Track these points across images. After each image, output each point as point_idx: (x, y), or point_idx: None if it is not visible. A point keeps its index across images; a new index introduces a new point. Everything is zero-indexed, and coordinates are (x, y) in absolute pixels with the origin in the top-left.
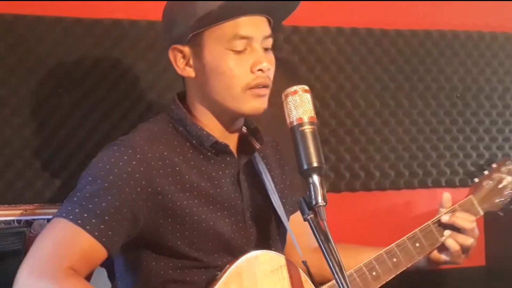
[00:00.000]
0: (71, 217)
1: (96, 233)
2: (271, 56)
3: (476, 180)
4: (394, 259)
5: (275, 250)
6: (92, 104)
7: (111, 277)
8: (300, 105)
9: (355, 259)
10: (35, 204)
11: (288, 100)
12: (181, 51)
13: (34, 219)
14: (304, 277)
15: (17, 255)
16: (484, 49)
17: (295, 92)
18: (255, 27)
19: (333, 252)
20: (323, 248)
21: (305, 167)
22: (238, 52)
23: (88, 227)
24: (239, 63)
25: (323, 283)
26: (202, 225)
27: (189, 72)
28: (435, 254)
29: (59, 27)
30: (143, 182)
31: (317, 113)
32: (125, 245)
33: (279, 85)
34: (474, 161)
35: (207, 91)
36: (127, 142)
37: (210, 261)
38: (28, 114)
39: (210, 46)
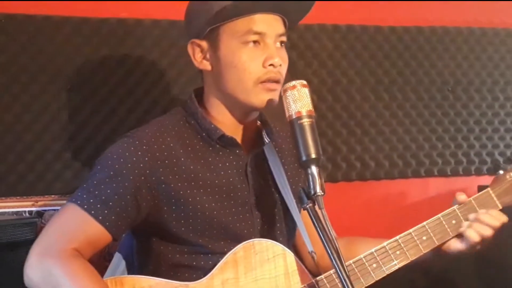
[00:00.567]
0: (79, 202)
1: (100, 218)
2: (283, 53)
3: (500, 172)
4: (398, 252)
5: (281, 241)
6: (100, 99)
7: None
8: (299, 99)
9: (356, 252)
10: (46, 196)
11: (287, 95)
12: (199, 45)
13: (45, 210)
14: (301, 267)
15: (29, 245)
16: (473, 44)
17: (294, 87)
18: (268, 24)
19: (331, 239)
20: (321, 236)
21: (304, 158)
22: (253, 46)
23: (93, 212)
24: (252, 57)
25: (326, 270)
26: (205, 213)
27: (206, 65)
28: (448, 244)
29: (67, 27)
30: (147, 172)
31: (314, 106)
32: (136, 230)
33: None
34: (465, 152)
35: (221, 83)
36: (136, 134)
37: (215, 248)
38: (38, 110)
39: (225, 40)
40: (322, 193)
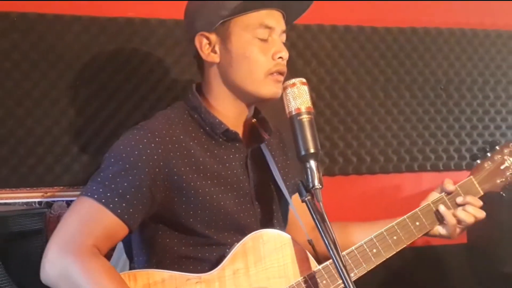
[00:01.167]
0: (95, 196)
1: (119, 211)
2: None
3: (478, 161)
4: (395, 237)
5: (279, 228)
6: (107, 95)
7: (130, 255)
8: (298, 96)
9: (351, 235)
10: (55, 187)
11: (287, 92)
12: (207, 38)
13: (54, 201)
14: (307, 255)
15: (38, 234)
16: (465, 45)
17: (294, 84)
18: (276, 20)
19: (329, 230)
20: (319, 227)
21: (303, 153)
22: (262, 40)
23: (111, 205)
24: (263, 50)
25: (324, 257)
26: (213, 204)
27: (214, 58)
28: (435, 229)
29: (76, 25)
30: (161, 163)
31: (313, 103)
32: (143, 223)
33: None
34: (457, 147)
35: (230, 75)
36: (147, 126)
37: (220, 239)
38: (48, 105)
39: (237, 33)
40: (320, 186)
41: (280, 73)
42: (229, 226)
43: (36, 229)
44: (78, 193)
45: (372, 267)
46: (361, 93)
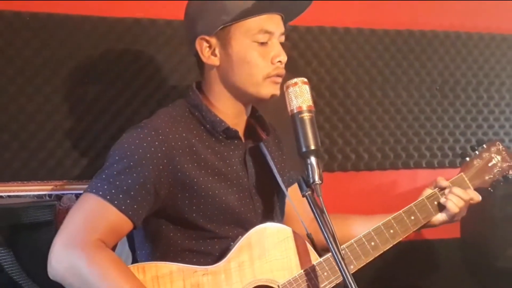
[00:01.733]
0: (100, 193)
1: (123, 207)
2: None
3: (468, 159)
4: (391, 231)
5: (277, 221)
6: (114, 92)
7: (132, 247)
8: (300, 95)
9: (350, 227)
10: (65, 181)
11: (289, 91)
12: (207, 41)
13: (63, 194)
14: (309, 247)
15: (49, 226)
16: (460, 47)
17: (296, 83)
18: (275, 24)
19: (328, 224)
20: (319, 221)
21: (304, 149)
22: (262, 44)
23: (116, 202)
24: (262, 54)
25: (322, 249)
26: (215, 199)
27: (214, 61)
28: (434, 218)
29: (86, 25)
30: (165, 161)
31: (313, 102)
32: (146, 217)
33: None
34: (451, 146)
35: (230, 77)
36: (150, 124)
37: (222, 232)
38: (59, 101)
39: (237, 37)
40: (320, 182)
41: (279, 76)
42: (230, 220)
43: (46, 221)
44: (86, 186)
45: (371, 259)
46: (359, 93)
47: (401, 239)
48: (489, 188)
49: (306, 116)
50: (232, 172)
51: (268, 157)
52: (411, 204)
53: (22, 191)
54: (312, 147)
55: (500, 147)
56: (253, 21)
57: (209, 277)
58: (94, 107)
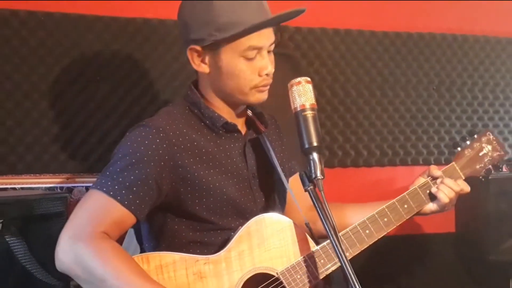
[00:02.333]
0: (104, 189)
1: (126, 203)
2: (272, 57)
3: (459, 149)
4: (385, 219)
5: (277, 211)
6: (125, 90)
7: (140, 241)
8: (303, 94)
9: (346, 215)
10: (75, 174)
11: (293, 90)
12: (197, 51)
13: (74, 186)
14: (306, 236)
15: (60, 217)
16: (456, 49)
17: (299, 82)
18: (265, 38)
19: (329, 217)
20: (320, 214)
21: (307, 146)
22: (250, 59)
23: (119, 197)
24: (250, 68)
25: (320, 237)
26: (217, 191)
27: (204, 69)
28: (426, 207)
29: (99, 24)
30: (166, 157)
31: (315, 100)
32: (152, 212)
33: (285, 77)
34: (447, 144)
35: (219, 85)
36: (152, 123)
37: (224, 224)
38: (71, 98)
39: (226, 52)
40: (322, 177)
41: (266, 86)
42: (231, 211)
43: (58, 212)
44: (96, 179)
45: (365, 247)
46: (359, 92)
47: (394, 227)
48: (480, 177)
49: (309, 114)
50: (232, 164)
51: (268, 149)
52: (404, 193)
53: (34, 183)
54: (315, 144)
55: (491, 137)
56: (243, 39)
57: (210, 265)
58: (105, 104)
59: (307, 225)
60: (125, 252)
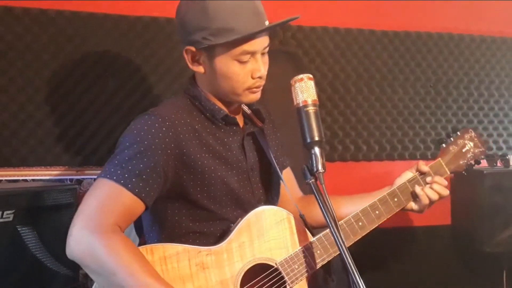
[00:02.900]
0: (114, 177)
1: (136, 190)
2: (266, 58)
3: (444, 145)
4: (377, 212)
5: (272, 202)
6: (134, 84)
7: (139, 232)
8: (305, 90)
9: (340, 207)
10: (85, 166)
11: (296, 86)
12: (192, 52)
13: (83, 178)
14: (303, 228)
15: (70, 207)
16: (453, 48)
17: (302, 79)
18: (259, 44)
19: (330, 209)
20: (321, 206)
21: (309, 140)
22: (243, 62)
23: (129, 185)
24: (243, 71)
25: (313, 227)
26: (218, 180)
27: (199, 69)
28: (409, 205)
29: (107, 22)
30: (172, 145)
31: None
32: (154, 202)
33: (287, 73)
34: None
35: (214, 85)
36: (157, 112)
37: (223, 214)
38: (80, 92)
39: (220, 55)
40: (323, 171)
41: (259, 87)
42: (230, 201)
43: (68, 203)
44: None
45: (358, 238)
46: (359, 89)
47: (385, 219)
48: (463, 172)
49: (311, 109)
50: (232, 156)
51: (264, 143)
52: (394, 187)
53: (45, 175)
54: (316, 138)
55: (473, 134)
56: (237, 44)
57: (212, 256)
58: (114, 99)
59: (301, 216)
60: (136, 248)
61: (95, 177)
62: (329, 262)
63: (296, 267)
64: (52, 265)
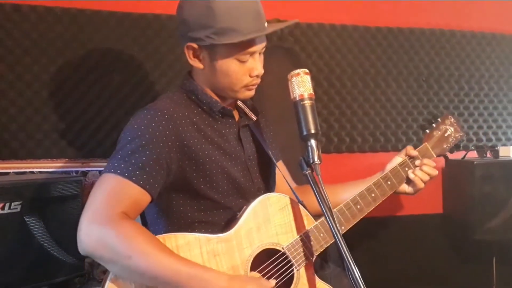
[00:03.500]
0: (118, 171)
1: (141, 182)
2: (262, 57)
3: (428, 131)
4: (373, 195)
5: (271, 191)
6: (137, 80)
7: (144, 224)
8: (302, 84)
9: (338, 193)
10: (90, 159)
11: (293, 80)
12: (194, 49)
13: (88, 170)
14: (305, 212)
15: (75, 199)
16: (444, 43)
17: (298, 74)
18: (259, 45)
19: (325, 199)
20: (317, 196)
21: (305, 133)
22: (243, 61)
23: (134, 178)
24: (242, 69)
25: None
26: (219, 170)
27: (199, 65)
28: (401, 187)
29: (112, 20)
30: (173, 138)
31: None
32: (158, 193)
33: (285, 68)
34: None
35: (212, 81)
36: (156, 106)
37: (226, 203)
38: (85, 88)
39: (221, 53)
40: (319, 162)
41: (255, 85)
42: (232, 190)
43: (73, 194)
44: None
45: (357, 221)
46: (354, 83)
47: (380, 201)
48: (446, 155)
49: (307, 103)
50: (230, 147)
51: (259, 135)
52: (387, 171)
53: (52, 167)
54: (313, 131)
55: (452, 119)
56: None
57: (222, 244)
58: (118, 94)
59: (301, 203)
60: (147, 231)
61: (100, 169)
62: (325, 249)
63: (302, 250)
64: (58, 254)
